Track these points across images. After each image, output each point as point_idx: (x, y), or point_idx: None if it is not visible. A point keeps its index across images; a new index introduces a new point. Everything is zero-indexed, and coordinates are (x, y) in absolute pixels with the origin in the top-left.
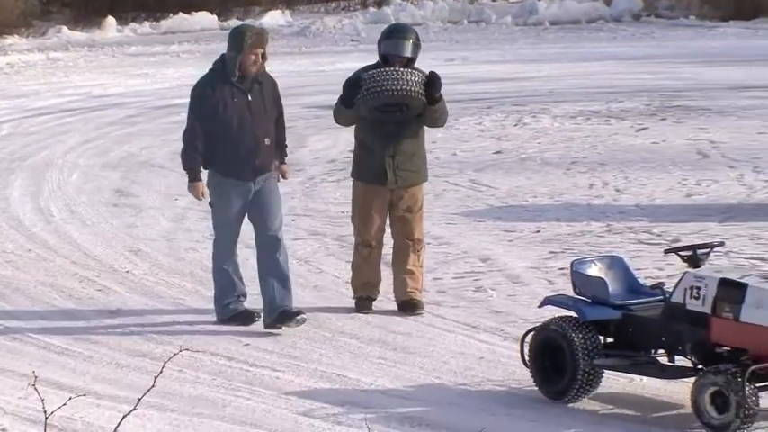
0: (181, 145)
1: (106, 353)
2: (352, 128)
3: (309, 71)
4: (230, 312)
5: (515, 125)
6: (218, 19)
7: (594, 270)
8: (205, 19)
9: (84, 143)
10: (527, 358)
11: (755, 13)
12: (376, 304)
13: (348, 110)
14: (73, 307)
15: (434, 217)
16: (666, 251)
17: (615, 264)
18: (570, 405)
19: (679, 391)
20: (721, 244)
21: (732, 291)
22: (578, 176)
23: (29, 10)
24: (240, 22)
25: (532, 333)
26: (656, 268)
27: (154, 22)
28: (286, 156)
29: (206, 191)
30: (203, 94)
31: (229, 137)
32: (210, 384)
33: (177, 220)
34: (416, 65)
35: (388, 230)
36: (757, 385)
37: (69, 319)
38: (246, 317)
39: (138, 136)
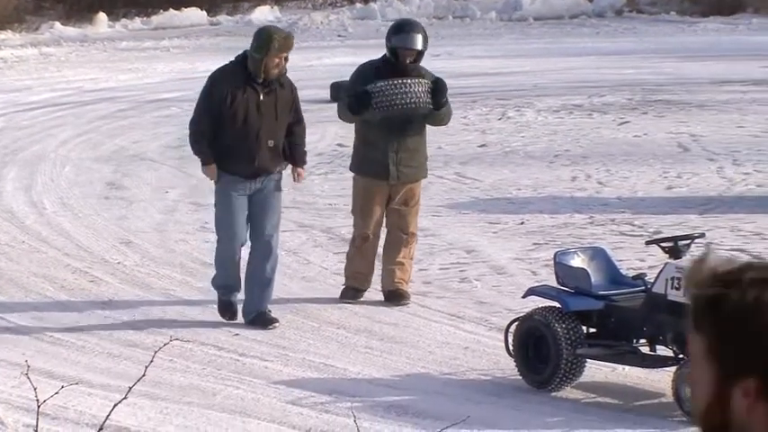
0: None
1: (98, 343)
2: (342, 122)
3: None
4: (219, 295)
5: (500, 119)
6: (208, 15)
7: (577, 261)
8: (195, 15)
9: (76, 137)
10: (511, 348)
11: (735, 9)
12: (364, 294)
13: (355, 116)
14: (65, 298)
15: (420, 209)
16: (648, 242)
17: (598, 255)
18: (553, 394)
19: (660, 380)
20: (702, 235)
21: None
22: (561, 169)
23: (22, 6)
24: (228, 18)
25: (516, 323)
26: (638, 259)
27: (144, 18)
28: (305, 162)
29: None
30: (218, 81)
31: (232, 132)
32: (200, 374)
33: (167, 212)
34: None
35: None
36: None
37: (62, 309)
38: (227, 310)
39: (129, 130)
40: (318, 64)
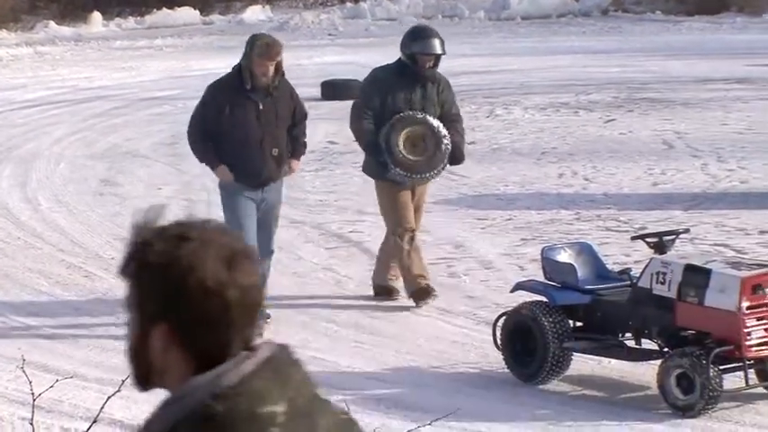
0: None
1: (92, 337)
2: (331, 121)
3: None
4: None
5: (488, 116)
6: (201, 14)
7: (564, 256)
8: (188, 14)
9: (70, 134)
10: (499, 341)
11: (719, 9)
12: (353, 290)
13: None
14: (60, 293)
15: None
16: (633, 238)
17: (584, 250)
18: (541, 386)
19: (645, 373)
20: (686, 231)
21: (697, 276)
22: (548, 166)
23: (17, 5)
24: (221, 18)
25: (504, 317)
26: (624, 254)
27: (138, 17)
28: (301, 154)
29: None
30: (215, 93)
31: (234, 144)
32: None
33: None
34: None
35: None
36: (721, 368)
37: (56, 304)
38: None
39: (122, 127)
40: (309, 63)
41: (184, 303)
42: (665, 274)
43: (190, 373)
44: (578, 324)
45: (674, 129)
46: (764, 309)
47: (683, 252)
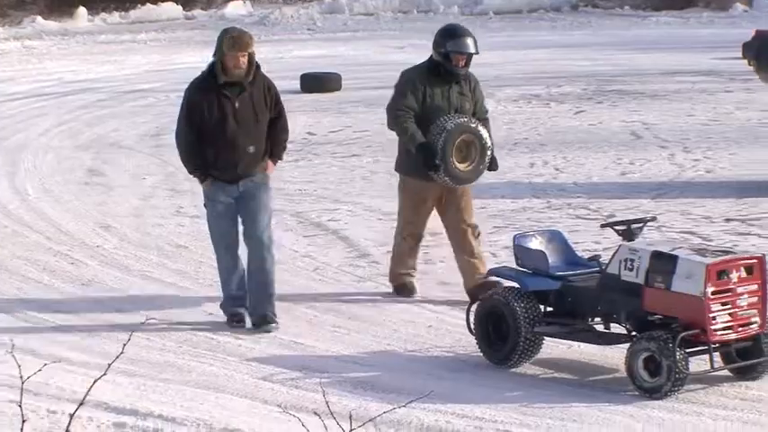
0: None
1: (79, 322)
2: (311, 113)
3: (269, 58)
4: (227, 310)
5: None
6: (183, 9)
7: (535, 243)
8: (171, 9)
9: (57, 126)
10: (472, 326)
11: (686, 4)
12: (331, 276)
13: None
14: (47, 279)
15: (386, 194)
16: (602, 226)
17: (555, 237)
18: (513, 370)
19: (614, 356)
20: (654, 219)
21: (664, 262)
22: (520, 156)
23: (5, 1)
24: (203, 12)
25: (478, 303)
26: (593, 242)
27: (123, 12)
28: (279, 158)
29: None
30: (191, 94)
31: (212, 141)
32: (176, 351)
33: (145, 197)
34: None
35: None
36: (687, 351)
37: (44, 291)
38: (236, 318)
39: (108, 119)
40: (289, 56)
41: None
42: (633, 260)
43: None
44: (549, 309)
45: (642, 120)
46: (729, 294)
47: (650, 239)
